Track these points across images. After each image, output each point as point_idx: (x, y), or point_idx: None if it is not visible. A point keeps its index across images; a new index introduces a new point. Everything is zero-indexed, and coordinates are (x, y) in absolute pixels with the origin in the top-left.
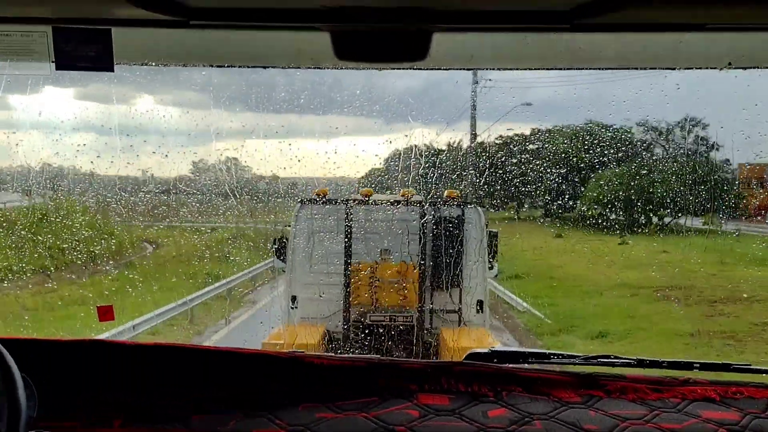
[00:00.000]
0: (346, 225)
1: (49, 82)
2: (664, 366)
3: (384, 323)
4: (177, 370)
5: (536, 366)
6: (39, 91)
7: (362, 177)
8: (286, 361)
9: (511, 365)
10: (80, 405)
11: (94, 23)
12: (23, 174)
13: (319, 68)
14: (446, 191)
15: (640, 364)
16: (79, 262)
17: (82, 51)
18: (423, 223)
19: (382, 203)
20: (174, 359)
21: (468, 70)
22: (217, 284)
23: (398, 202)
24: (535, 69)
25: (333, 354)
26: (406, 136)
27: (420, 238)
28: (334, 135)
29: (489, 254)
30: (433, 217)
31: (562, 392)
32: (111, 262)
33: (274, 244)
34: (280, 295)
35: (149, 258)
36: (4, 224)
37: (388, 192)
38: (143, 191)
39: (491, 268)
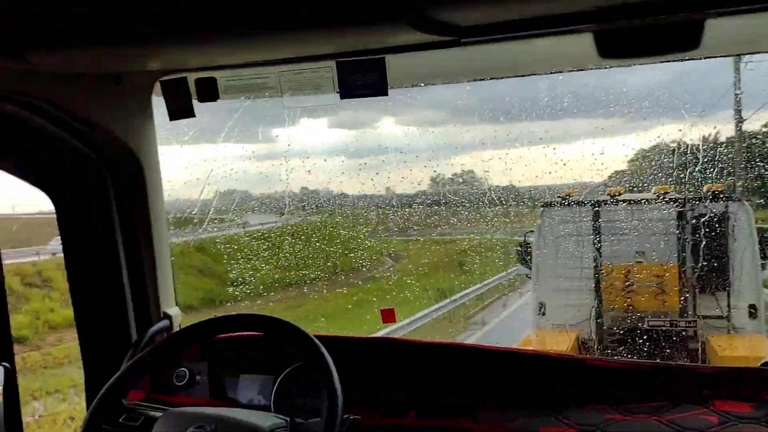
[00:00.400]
0: (595, 226)
1: (305, 114)
2: None
3: (663, 328)
4: (462, 367)
5: None
6: (296, 124)
7: (609, 177)
8: (571, 362)
9: None
10: (377, 397)
11: (372, 53)
12: (283, 198)
13: (581, 70)
14: (706, 186)
15: None
16: (321, 275)
17: (362, 80)
18: (681, 222)
19: (633, 202)
20: (459, 358)
21: (748, 54)
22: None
23: (651, 200)
24: None
25: (617, 358)
26: (649, 132)
27: (678, 237)
28: (574, 139)
29: (761, 254)
30: (693, 214)
31: None
32: (353, 277)
33: (519, 249)
34: (527, 302)
35: (390, 271)
36: (264, 242)
37: (639, 191)
38: (388, 206)
39: (764, 268)
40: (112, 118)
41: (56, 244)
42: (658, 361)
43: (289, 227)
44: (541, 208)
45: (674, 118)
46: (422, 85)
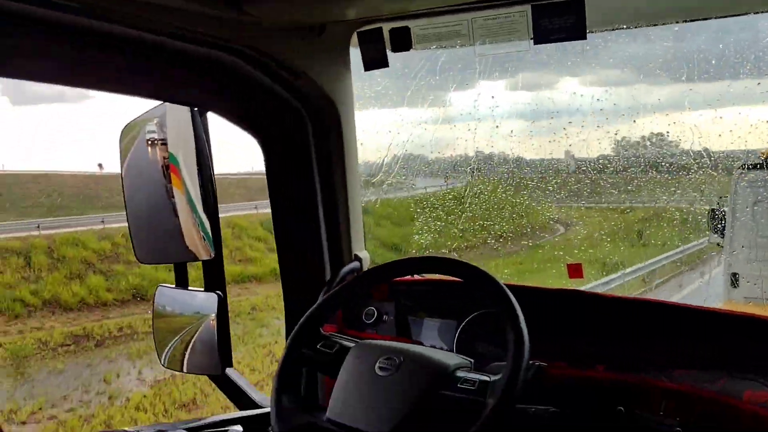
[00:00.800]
0: None
1: (484, 75)
2: None
3: None
4: (656, 324)
5: None
6: (474, 86)
7: None
8: None
9: None
10: (564, 347)
11: None
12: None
13: None
14: None
15: None
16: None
17: (558, 23)
18: None
19: None
20: (652, 314)
21: None
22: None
23: None
24: None
25: None
26: None
27: None
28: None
29: None
30: None
31: None
32: (524, 242)
33: (710, 216)
34: (718, 273)
35: (560, 238)
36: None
37: None
38: (563, 172)
39: None
40: (315, 68)
41: None
42: None
43: (454, 192)
44: (737, 171)
45: None
46: (624, 27)
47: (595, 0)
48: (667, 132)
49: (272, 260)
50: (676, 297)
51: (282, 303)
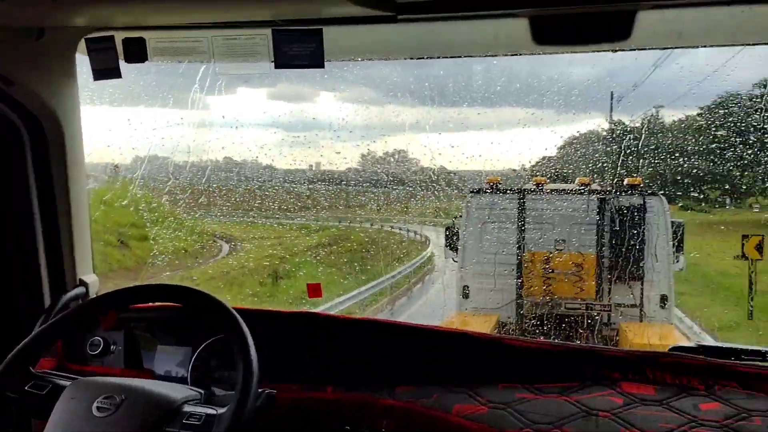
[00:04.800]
0: (519, 214)
1: (241, 82)
2: None
3: (572, 314)
4: (382, 343)
5: (750, 362)
6: (232, 92)
7: (532, 168)
8: (486, 342)
9: (722, 360)
10: (297, 370)
11: (309, 24)
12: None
13: (516, 55)
14: (627, 179)
15: None
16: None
17: (297, 50)
18: (600, 213)
19: (556, 192)
20: (379, 333)
21: (677, 48)
22: None
23: (574, 190)
24: (752, 45)
25: (531, 338)
26: (578, 124)
27: (597, 227)
28: (505, 126)
29: (674, 246)
30: (612, 206)
31: None
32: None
33: (446, 233)
34: (452, 286)
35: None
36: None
37: (563, 181)
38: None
39: (677, 261)
40: (33, 75)
41: None
42: (570, 342)
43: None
44: (469, 194)
45: (600, 111)
46: (359, 59)
47: (334, 32)
48: (408, 150)
49: None
50: (414, 308)
51: None
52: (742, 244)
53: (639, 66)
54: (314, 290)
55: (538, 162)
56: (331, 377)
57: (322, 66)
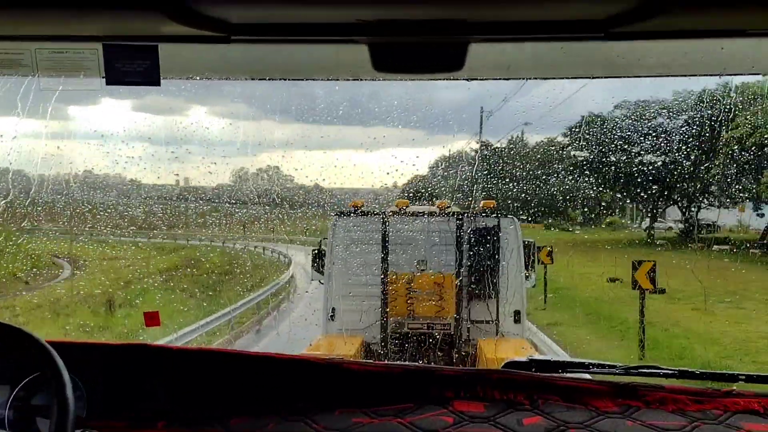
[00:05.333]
0: (383, 236)
1: (107, 93)
2: (707, 377)
3: (422, 331)
4: (217, 373)
5: (575, 375)
6: (95, 103)
7: (400, 188)
8: (324, 367)
9: (548, 374)
10: (126, 406)
11: (141, 40)
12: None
13: (357, 80)
14: (482, 202)
15: (683, 375)
16: None
17: (131, 66)
18: (459, 234)
19: (417, 214)
20: (214, 363)
21: (506, 80)
22: None
23: (434, 213)
24: (572, 78)
25: (371, 361)
26: (444, 147)
27: (456, 248)
28: (371, 147)
29: (526, 264)
30: (469, 227)
31: (599, 402)
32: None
33: (313, 255)
34: (319, 308)
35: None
36: None
37: (425, 203)
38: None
39: (528, 278)
40: None
41: None
42: (410, 363)
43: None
44: (334, 217)
45: (467, 135)
46: (198, 78)
47: (170, 50)
48: (282, 167)
49: None
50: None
51: None
52: (633, 269)
53: (501, 92)
54: (151, 318)
55: (404, 184)
56: (162, 412)
57: (157, 83)
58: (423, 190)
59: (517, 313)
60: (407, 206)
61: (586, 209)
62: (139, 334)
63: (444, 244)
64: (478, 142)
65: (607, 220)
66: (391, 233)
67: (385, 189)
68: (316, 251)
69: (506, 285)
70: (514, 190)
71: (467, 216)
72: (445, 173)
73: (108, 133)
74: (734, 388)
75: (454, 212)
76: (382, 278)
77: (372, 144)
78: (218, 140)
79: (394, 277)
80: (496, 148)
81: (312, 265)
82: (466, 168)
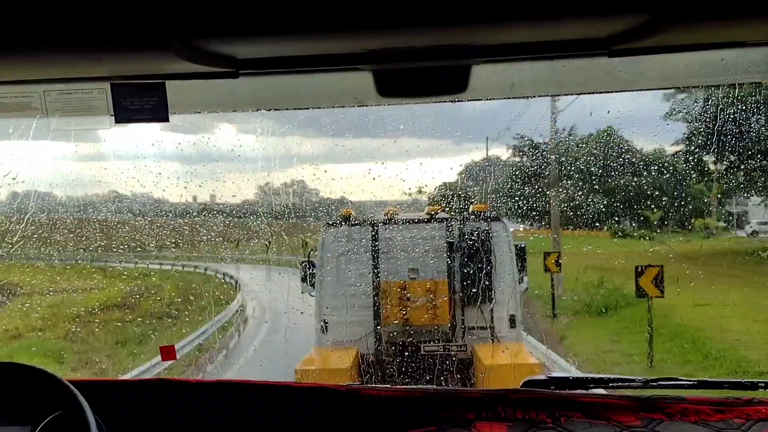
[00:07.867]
0: (373, 245)
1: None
2: (727, 387)
3: (417, 340)
4: (238, 404)
5: (595, 391)
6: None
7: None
8: (344, 393)
9: (568, 391)
10: None
11: (150, 79)
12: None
13: (363, 106)
14: (472, 206)
15: (702, 385)
16: None
17: (139, 104)
18: (449, 240)
19: (407, 221)
20: (235, 394)
21: (508, 99)
22: None
23: (423, 219)
24: (575, 94)
25: (389, 386)
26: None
27: (448, 254)
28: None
29: (518, 268)
30: (460, 232)
31: (621, 416)
32: None
33: (303, 267)
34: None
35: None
36: None
37: (415, 210)
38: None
39: (521, 281)
40: None
41: None
42: (429, 386)
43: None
44: (324, 228)
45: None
46: (206, 112)
47: (177, 86)
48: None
49: None
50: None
51: None
52: (637, 275)
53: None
54: (167, 353)
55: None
56: None
57: (166, 120)
58: (415, 198)
59: (512, 317)
60: (397, 214)
61: (672, 209)
62: None
63: (436, 251)
64: (468, 152)
65: (701, 223)
66: (381, 242)
67: (365, 201)
68: (305, 263)
69: (500, 289)
70: (506, 197)
71: (457, 221)
72: (437, 182)
73: (143, 154)
74: (754, 396)
75: (443, 218)
76: (374, 288)
77: (357, 157)
78: (249, 156)
79: (386, 286)
80: (493, 157)
81: (301, 279)
82: (457, 175)
